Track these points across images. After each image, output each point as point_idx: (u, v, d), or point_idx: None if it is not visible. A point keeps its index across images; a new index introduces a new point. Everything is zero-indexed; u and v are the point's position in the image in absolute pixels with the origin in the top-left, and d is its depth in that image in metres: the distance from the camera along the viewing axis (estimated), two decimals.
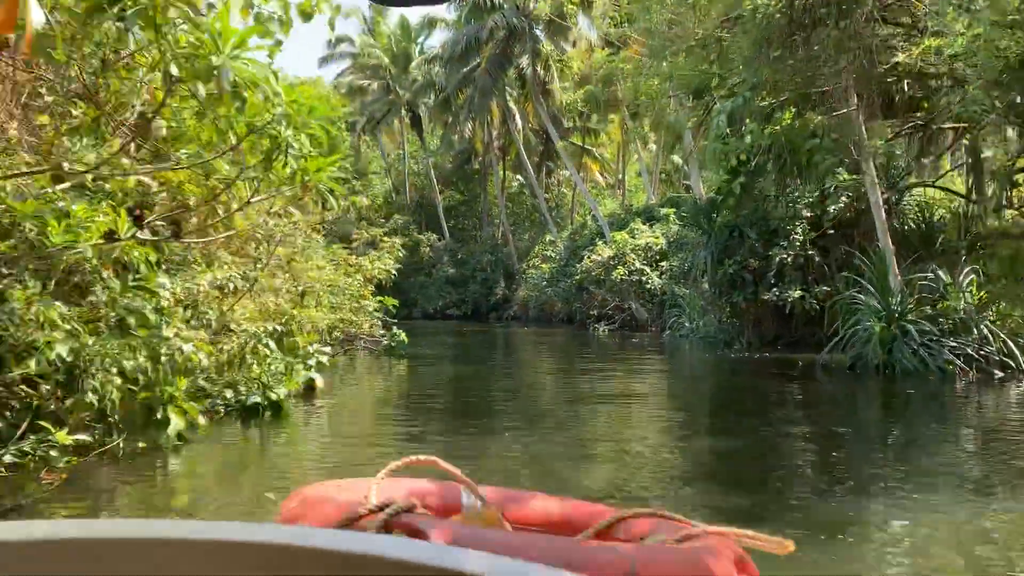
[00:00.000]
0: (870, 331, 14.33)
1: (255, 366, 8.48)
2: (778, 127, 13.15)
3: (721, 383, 15.20)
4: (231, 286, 8.31)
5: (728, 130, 13.31)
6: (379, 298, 18.27)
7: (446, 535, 2.24)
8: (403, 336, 17.82)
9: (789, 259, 19.10)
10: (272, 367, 8.69)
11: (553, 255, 37.04)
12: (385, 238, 20.00)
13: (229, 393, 8.38)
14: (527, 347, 25.62)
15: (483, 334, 30.31)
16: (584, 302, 31.42)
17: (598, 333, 28.32)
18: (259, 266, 9.58)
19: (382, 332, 18.27)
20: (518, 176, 45.47)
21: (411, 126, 46.38)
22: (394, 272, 17.98)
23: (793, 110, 13.36)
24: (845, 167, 13.15)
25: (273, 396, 8.45)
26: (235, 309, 8.72)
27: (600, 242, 31.59)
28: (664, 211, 31.14)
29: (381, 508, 2.43)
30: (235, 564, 0.75)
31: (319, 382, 10.61)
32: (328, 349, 12.18)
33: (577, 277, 31.55)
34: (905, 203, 19.36)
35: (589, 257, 30.95)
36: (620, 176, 45.40)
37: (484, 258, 41.69)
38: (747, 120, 12.97)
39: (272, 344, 8.50)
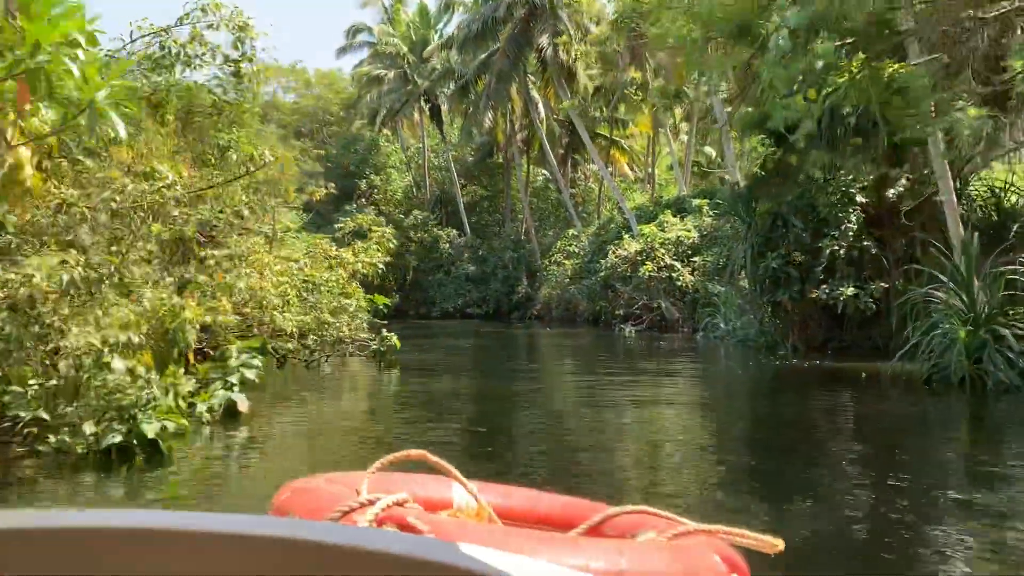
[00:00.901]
0: (952, 336, 11.62)
1: (107, 393, 6.10)
2: (849, 71, 10.40)
3: (772, 400, 12.49)
4: (65, 278, 5.94)
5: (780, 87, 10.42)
6: (369, 296, 16.01)
7: (437, 529, 2.19)
8: (395, 340, 15.38)
9: (841, 251, 16.74)
10: (143, 392, 6.32)
11: (576, 250, 34.61)
12: (375, 227, 17.64)
13: (90, 428, 6.04)
14: (547, 351, 23.35)
15: (500, 336, 28.10)
16: (610, 301, 29.04)
17: (625, 334, 25.86)
18: (115, 250, 7.20)
19: (369, 335, 15.85)
20: (543, 171, 43.14)
21: (430, 118, 44.37)
22: (381, 266, 15.58)
23: (862, 56, 10.63)
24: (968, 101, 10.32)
25: (148, 432, 6.12)
26: (88, 313, 6.35)
27: (627, 236, 29.11)
28: (696, 202, 28.69)
29: (372, 502, 2.38)
30: (225, 556, 0.74)
31: (243, 406, 8.24)
32: (257, 362, 9.70)
33: (602, 274, 29.15)
34: (972, 188, 16.78)
35: (615, 252, 28.46)
36: (650, 170, 42.83)
37: (506, 255, 39.63)
38: (817, 43, 9.92)
39: (118, 362, 6.11)
